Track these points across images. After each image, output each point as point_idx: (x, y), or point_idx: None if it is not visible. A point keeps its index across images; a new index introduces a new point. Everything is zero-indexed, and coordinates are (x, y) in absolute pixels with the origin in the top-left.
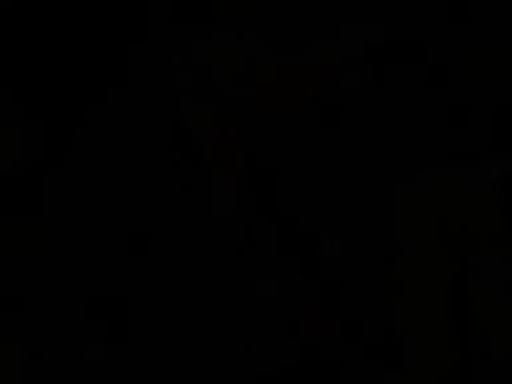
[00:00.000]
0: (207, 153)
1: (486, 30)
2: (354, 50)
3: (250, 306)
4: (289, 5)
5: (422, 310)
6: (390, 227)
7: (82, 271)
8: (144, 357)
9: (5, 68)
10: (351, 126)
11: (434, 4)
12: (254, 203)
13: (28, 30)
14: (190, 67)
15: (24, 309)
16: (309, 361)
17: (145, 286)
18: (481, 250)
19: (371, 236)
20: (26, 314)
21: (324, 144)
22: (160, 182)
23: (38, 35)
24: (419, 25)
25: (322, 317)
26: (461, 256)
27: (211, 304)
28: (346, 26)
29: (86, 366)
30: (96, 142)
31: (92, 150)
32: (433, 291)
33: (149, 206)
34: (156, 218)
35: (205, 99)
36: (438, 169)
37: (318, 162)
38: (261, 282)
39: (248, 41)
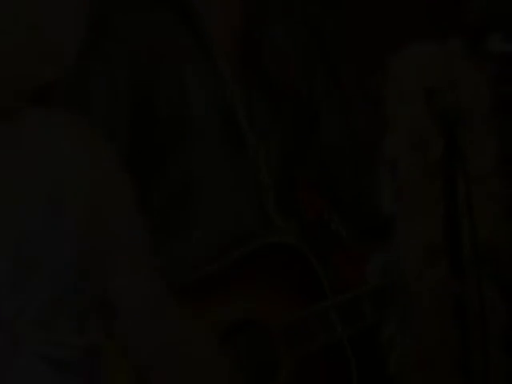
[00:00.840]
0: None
1: None
2: None
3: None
4: None
5: (412, 184)
6: (381, 106)
7: None
8: None
9: None
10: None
11: None
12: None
13: None
14: None
15: None
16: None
17: None
18: (470, 125)
19: (361, 115)
20: None
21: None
22: None
23: None
24: None
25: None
26: (450, 131)
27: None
28: None
29: None
30: None
31: None
32: (423, 166)
33: None
34: None
35: None
36: (428, 42)
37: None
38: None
39: None
